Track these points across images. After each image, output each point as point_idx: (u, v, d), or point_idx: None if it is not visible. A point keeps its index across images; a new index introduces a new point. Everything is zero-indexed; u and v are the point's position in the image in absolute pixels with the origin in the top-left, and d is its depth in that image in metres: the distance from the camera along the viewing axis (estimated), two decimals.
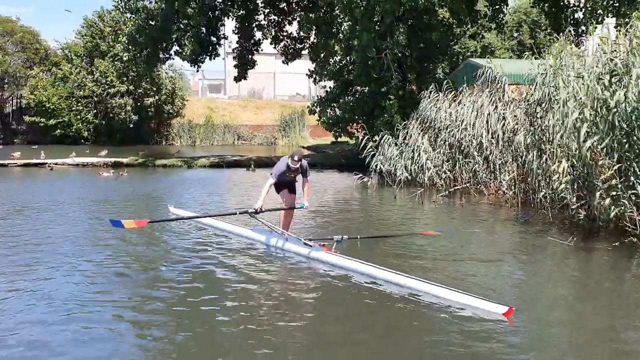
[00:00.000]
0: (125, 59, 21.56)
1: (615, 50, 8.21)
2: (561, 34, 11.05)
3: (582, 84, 8.19)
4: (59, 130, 29.71)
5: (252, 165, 18.72)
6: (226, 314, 5.01)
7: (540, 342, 4.52)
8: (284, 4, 22.82)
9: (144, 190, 13.59)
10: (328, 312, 5.28)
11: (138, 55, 20.55)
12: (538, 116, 9.86)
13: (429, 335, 4.68)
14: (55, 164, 19.41)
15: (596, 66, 8.31)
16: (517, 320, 4.88)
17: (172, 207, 9.68)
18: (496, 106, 11.85)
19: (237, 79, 23.77)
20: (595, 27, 11.13)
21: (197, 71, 22.99)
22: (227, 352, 4.32)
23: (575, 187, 8.32)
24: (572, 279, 6.50)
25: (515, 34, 30.68)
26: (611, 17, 16.30)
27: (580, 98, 8.05)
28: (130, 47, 20.13)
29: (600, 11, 16.33)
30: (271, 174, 7.48)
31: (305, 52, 23.48)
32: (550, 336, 4.66)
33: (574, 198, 8.28)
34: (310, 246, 6.93)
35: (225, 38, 22.15)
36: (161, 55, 20.96)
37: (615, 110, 7.54)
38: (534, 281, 6.27)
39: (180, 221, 8.97)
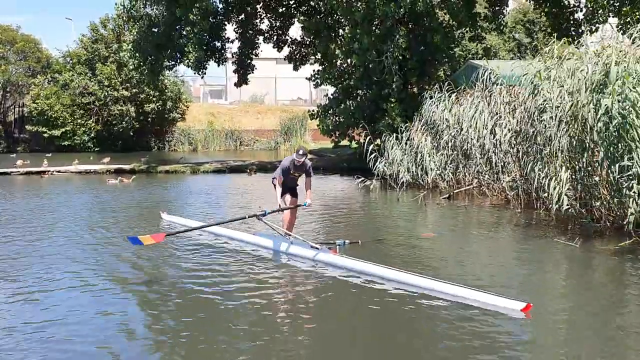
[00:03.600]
0: (131, 67, 21.61)
1: (598, 62, 8.20)
2: (559, 33, 11.00)
3: (571, 91, 8.24)
4: (62, 140, 29.71)
5: (249, 170, 19.02)
6: (235, 319, 4.98)
7: (555, 340, 4.49)
8: (284, 9, 22.84)
9: (149, 196, 13.61)
10: (341, 314, 5.24)
11: (142, 63, 20.55)
12: (536, 119, 9.82)
13: (447, 331, 4.68)
14: (59, 171, 19.44)
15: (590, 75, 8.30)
16: (532, 320, 4.87)
17: (164, 214, 9.70)
18: (497, 108, 11.80)
19: (237, 84, 23.78)
20: (597, 28, 11.12)
21: (202, 77, 23.01)
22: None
23: (579, 188, 8.29)
24: (583, 280, 6.43)
25: (516, 35, 30.67)
26: (612, 16, 16.25)
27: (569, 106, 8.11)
28: (136, 54, 20.16)
29: (600, 11, 16.26)
30: (274, 178, 7.61)
31: (312, 56, 23.47)
32: (564, 334, 4.64)
33: (577, 202, 8.26)
34: (318, 249, 6.90)
35: (231, 42, 22.15)
36: (166, 63, 20.97)
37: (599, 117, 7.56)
38: (544, 282, 6.21)
39: (191, 227, 8.98)
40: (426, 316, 5.09)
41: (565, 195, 8.15)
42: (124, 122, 29.93)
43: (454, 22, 18.07)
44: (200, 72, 21.27)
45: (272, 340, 4.52)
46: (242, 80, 23.28)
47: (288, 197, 7.75)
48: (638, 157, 7.17)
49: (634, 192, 7.19)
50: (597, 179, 8.11)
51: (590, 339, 4.60)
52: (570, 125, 8.30)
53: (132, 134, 30.62)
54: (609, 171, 7.64)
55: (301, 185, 7.85)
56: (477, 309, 5.10)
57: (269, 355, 4.27)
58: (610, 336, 4.60)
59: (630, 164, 7.23)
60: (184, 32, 19.01)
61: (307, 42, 23.25)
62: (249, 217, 7.63)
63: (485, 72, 12.33)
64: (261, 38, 23.16)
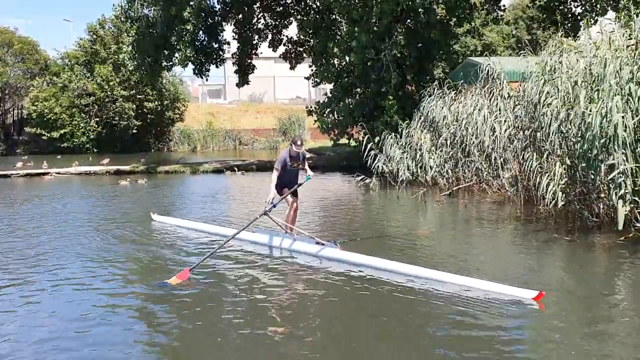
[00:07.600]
0: (130, 68, 21.64)
1: (595, 55, 8.19)
2: (558, 28, 10.99)
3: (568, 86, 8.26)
4: (61, 142, 29.75)
5: (236, 169, 19.66)
6: (237, 318, 4.97)
7: (557, 332, 4.47)
8: (281, 8, 22.84)
9: (169, 196, 13.89)
10: (353, 309, 5.23)
11: (141, 63, 20.56)
12: (535, 115, 9.81)
13: (457, 320, 4.72)
14: (58, 173, 19.47)
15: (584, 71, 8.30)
16: (534, 311, 4.90)
17: (155, 215, 9.69)
18: (496, 104, 11.79)
19: (239, 85, 23.84)
20: (596, 21, 11.06)
21: (207, 80, 23.05)
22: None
23: (578, 183, 8.27)
24: (582, 273, 6.40)
25: (514, 31, 30.69)
26: (610, 10, 16.22)
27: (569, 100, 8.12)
28: (136, 55, 20.19)
29: (598, 5, 16.23)
30: (276, 169, 7.47)
31: (306, 55, 23.47)
32: (564, 326, 4.63)
33: (576, 197, 8.25)
34: (323, 244, 6.90)
35: (228, 44, 22.14)
36: (164, 63, 20.98)
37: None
38: (544, 276, 6.18)
39: (183, 227, 8.98)
40: (436, 306, 5.10)
41: (562, 191, 8.14)
42: (124, 121, 29.91)
43: (451, 17, 18.04)
44: (203, 76, 21.36)
45: (274, 338, 4.52)
46: (243, 81, 23.34)
47: (290, 197, 7.67)
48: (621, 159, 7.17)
49: (625, 191, 7.15)
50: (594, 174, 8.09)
51: (589, 332, 4.59)
52: (568, 120, 8.29)
53: (132, 133, 30.63)
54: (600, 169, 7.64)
55: (299, 189, 7.79)
56: (487, 298, 5.12)
57: (271, 355, 4.27)
58: (610, 329, 4.60)
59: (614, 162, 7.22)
60: (176, 30, 19.02)
61: (303, 41, 23.25)
62: (260, 216, 7.27)
63: (486, 68, 12.31)
64: (257, 37, 23.17)
